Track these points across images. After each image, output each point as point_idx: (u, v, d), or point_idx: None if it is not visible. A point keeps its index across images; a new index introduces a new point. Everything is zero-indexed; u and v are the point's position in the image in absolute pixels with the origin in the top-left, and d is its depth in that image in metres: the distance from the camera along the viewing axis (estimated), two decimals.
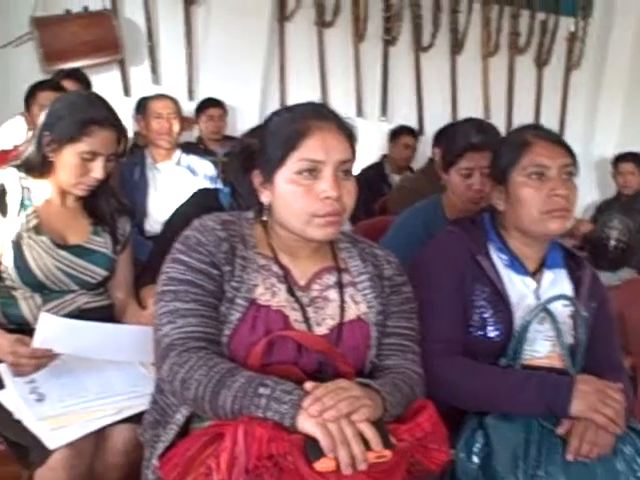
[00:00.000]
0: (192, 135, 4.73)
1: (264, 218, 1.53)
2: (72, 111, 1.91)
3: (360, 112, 5.38)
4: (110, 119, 1.93)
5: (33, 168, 1.94)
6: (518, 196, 1.71)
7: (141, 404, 1.72)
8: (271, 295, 1.46)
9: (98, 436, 1.70)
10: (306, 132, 1.43)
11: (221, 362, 1.36)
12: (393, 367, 1.51)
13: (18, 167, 1.96)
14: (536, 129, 1.82)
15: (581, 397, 1.55)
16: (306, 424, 1.24)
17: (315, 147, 1.42)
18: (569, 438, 1.54)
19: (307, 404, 1.25)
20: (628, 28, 5.60)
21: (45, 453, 1.61)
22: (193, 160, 3.55)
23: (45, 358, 1.71)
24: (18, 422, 1.67)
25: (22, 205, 1.92)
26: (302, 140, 1.42)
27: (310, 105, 1.53)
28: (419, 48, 5.49)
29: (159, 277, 1.48)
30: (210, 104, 4.68)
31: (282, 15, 5.17)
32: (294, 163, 1.42)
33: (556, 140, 1.76)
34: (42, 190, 1.95)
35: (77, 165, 1.89)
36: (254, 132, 1.60)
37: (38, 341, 1.69)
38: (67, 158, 1.90)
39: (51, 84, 3.55)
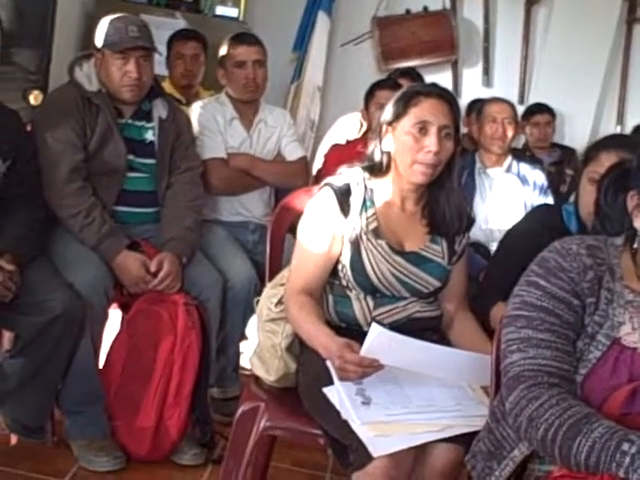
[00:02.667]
0: (519, 142, 4.56)
1: (636, 246, 1.36)
2: (399, 95, 1.92)
3: None
4: (438, 91, 1.90)
5: (375, 166, 1.95)
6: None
7: (465, 425, 1.65)
8: (638, 336, 1.29)
9: (418, 451, 1.65)
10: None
11: (576, 404, 1.23)
12: None
13: (364, 168, 1.97)
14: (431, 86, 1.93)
15: None
16: None
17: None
18: None
19: None
20: None
21: (366, 458, 1.59)
22: (524, 168, 3.39)
23: (371, 368, 1.69)
24: (345, 422, 1.67)
25: (364, 206, 1.92)
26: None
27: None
28: None
29: (510, 299, 1.38)
30: (537, 110, 4.46)
31: (631, 17, 4.76)
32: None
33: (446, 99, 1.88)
34: (384, 192, 1.94)
35: (410, 141, 1.86)
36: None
37: (366, 350, 1.67)
38: (400, 137, 1.88)
39: (389, 83, 3.60)
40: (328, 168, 3.19)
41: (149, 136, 2.57)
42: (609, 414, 1.23)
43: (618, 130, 4.61)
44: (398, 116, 1.88)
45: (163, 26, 3.85)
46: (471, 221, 2.01)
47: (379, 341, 1.66)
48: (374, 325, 1.69)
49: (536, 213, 2.30)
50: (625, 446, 1.13)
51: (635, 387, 1.24)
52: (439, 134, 1.85)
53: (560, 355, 1.29)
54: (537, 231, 1.91)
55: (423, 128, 1.85)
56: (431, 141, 1.84)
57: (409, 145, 1.86)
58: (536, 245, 1.45)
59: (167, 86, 3.36)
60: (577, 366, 1.29)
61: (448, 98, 1.89)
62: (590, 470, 1.15)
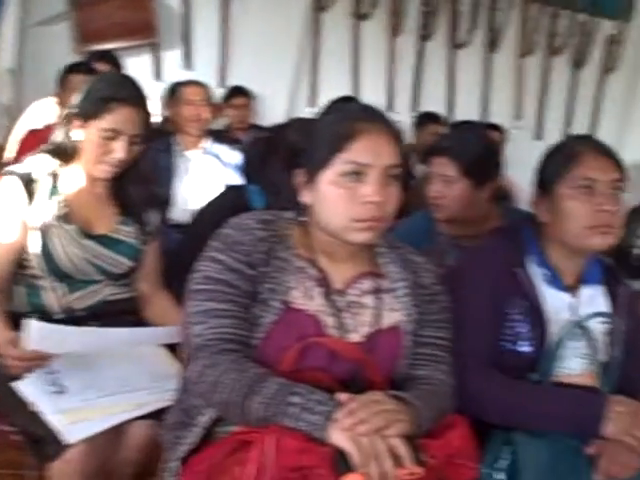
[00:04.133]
0: (220, 124, 4.70)
1: (304, 219, 1.50)
2: (96, 89, 1.90)
3: (391, 106, 5.31)
4: (134, 98, 1.89)
5: (62, 152, 1.93)
6: (563, 208, 1.66)
7: (162, 400, 1.70)
8: (307, 299, 1.44)
9: (115, 430, 1.68)
10: (354, 134, 1.39)
11: (253, 367, 1.33)
12: (425, 378, 1.48)
13: (49, 152, 1.94)
14: (588, 140, 1.77)
15: (615, 418, 1.51)
16: (338, 437, 1.21)
17: (362, 150, 1.39)
18: (599, 459, 1.50)
19: (340, 417, 1.22)
20: None
21: (62, 447, 1.60)
22: (222, 149, 3.52)
23: (37, 360, 1.67)
24: (35, 413, 1.65)
25: (52, 192, 1.90)
26: (349, 142, 1.39)
27: (360, 106, 1.51)
28: (455, 45, 5.41)
29: (192, 275, 1.46)
30: (236, 93, 4.64)
31: (319, 5, 5.10)
32: (340, 165, 1.39)
33: (606, 153, 1.70)
34: (72, 177, 1.93)
35: (99, 144, 1.86)
36: (292, 127, 1.58)
37: (30, 344, 1.65)
38: (89, 136, 1.87)
39: (83, 67, 3.52)
40: (23, 154, 3.05)
41: None
42: (283, 372, 1.35)
43: (308, 111, 4.91)
44: (91, 117, 1.86)
45: None
46: (161, 201, 2.07)
47: (40, 335, 1.65)
48: (28, 321, 1.66)
49: (222, 194, 2.41)
50: (293, 398, 1.25)
51: (305, 345, 1.38)
52: (129, 140, 1.87)
53: (238, 323, 1.39)
54: (222, 212, 2.02)
55: (114, 131, 1.86)
56: (120, 146, 1.86)
57: (99, 150, 1.86)
58: (220, 226, 1.54)
59: None
60: (254, 331, 1.40)
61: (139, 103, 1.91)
62: (264, 423, 1.26)
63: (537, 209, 1.74)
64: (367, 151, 1.39)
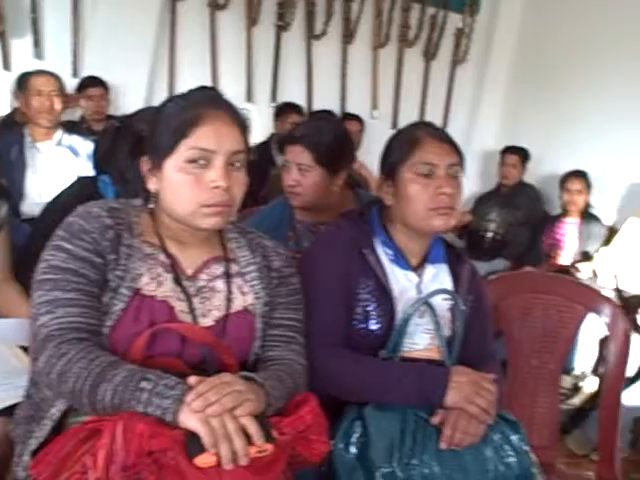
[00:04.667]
0: (76, 114, 4.56)
1: (151, 206, 1.50)
2: None
3: (250, 97, 5.35)
4: None
5: None
6: (406, 192, 1.74)
7: (14, 397, 1.65)
8: (156, 285, 1.44)
9: None
10: (198, 120, 1.40)
11: (102, 355, 1.32)
12: (277, 358, 1.51)
13: None
14: (427, 126, 1.85)
15: (456, 388, 1.60)
16: (188, 420, 1.22)
17: (206, 136, 1.40)
18: (443, 427, 1.59)
19: (190, 399, 1.24)
20: (511, 27, 5.80)
21: None
22: (75, 140, 3.43)
23: None
24: None
25: None
26: (194, 128, 1.40)
27: (205, 93, 1.50)
28: (311, 35, 5.49)
29: (38, 265, 1.42)
30: (90, 83, 4.51)
31: None
32: (184, 151, 1.40)
33: (445, 139, 1.79)
34: None
35: None
36: (139, 115, 1.57)
37: None
38: None
39: None
40: None
41: None
42: (134, 359, 1.35)
43: None
44: None
45: None
46: (8, 193, 2.01)
47: None
48: None
49: (72, 185, 2.36)
50: (143, 384, 1.26)
51: (155, 331, 1.38)
52: None
53: (87, 311, 1.37)
54: (72, 202, 1.97)
55: None
56: None
57: None
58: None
59: None
60: (104, 319, 1.39)
61: None
62: (115, 411, 1.26)
63: (382, 193, 1.81)
64: (211, 137, 1.40)
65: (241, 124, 1.47)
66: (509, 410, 1.94)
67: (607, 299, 2.40)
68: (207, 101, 1.45)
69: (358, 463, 1.56)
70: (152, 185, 1.47)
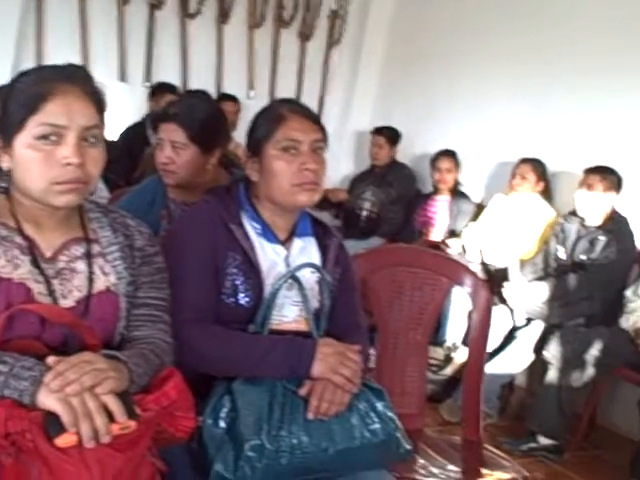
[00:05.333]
0: None
1: (3, 185, 1.45)
2: None
3: (123, 77, 5.23)
4: None
5: None
6: (271, 168, 1.76)
7: None
8: (12, 267, 1.40)
9: None
10: (48, 95, 1.36)
11: None
12: (143, 338, 1.51)
13: None
14: (291, 103, 1.88)
15: (322, 359, 1.65)
16: (47, 400, 1.21)
17: (57, 111, 1.36)
18: (309, 398, 1.63)
19: (48, 379, 1.22)
20: (384, 9, 5.90)
21: None
22: None
23: None
24: None
25: None
26: (43, 103, 1.35)
27: (59, 67, 1.44)
28: (186, 14, 5.41)
29: None
30: None
31: None
32: (34, 127, 1.36)
33: (309, 115, 1.82)
34: None
35: None
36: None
37: None
38: None
39: None
40: None
41: None
42: None
43: None
44: None
45: None
46: None
47: None
48: None
49: None
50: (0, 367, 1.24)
51: (10, 314, 1.34)
52: None
53: None
54: None
55: None
56: None
57: None
58: None
59: None
60: None
61: None
62: None
63: (248, 169, 1.83)
64: (61, 112, 1.36)
65: (97, 99, 1.43)
66: (380, 380, 2.01)
67: (470, 271, 2.51)
68: (59, 75, 1.40)
69: (227, 437, 1.58)
70: (4, 163, 1.42)
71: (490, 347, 3.64)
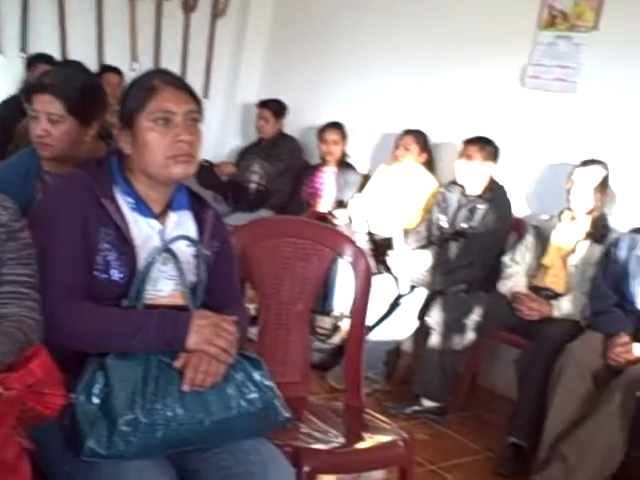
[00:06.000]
0: None
1: None
2: None
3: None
4: None
5: None
6: (144, 141, 1.73)
7: None
8: None
9: None
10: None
11: None
12: (9, 316, 1.47)
13: None
14: (164, 74, 1.84)
15: (197, 331, 1.64)
16: None
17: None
18: (185, 370, 1.63)
19: None
20: None
21: None
22: None
23: None
24: None
25: None
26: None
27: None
28: None
29: None
30: None
31: None
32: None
33: (182, 86, 1.80)
34: None
35: None
36: None
37: None
38: None
39: None
40: None
41: None
42: None
43: None
44: None
45: None
46: None
47: None
48: None
49: None
50: None
51: None
52: None
53: None
54: None
55: None
56: None
57: None
58: None
59: None
60: None
61: None
62: None
63: (121, 142, 1.79)
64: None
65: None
66: (262, 350, 2.03)
67: (350, 241, 2.55)
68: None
69: (101, 413, 1.56)
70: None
71: (376, 315, 3.75)
